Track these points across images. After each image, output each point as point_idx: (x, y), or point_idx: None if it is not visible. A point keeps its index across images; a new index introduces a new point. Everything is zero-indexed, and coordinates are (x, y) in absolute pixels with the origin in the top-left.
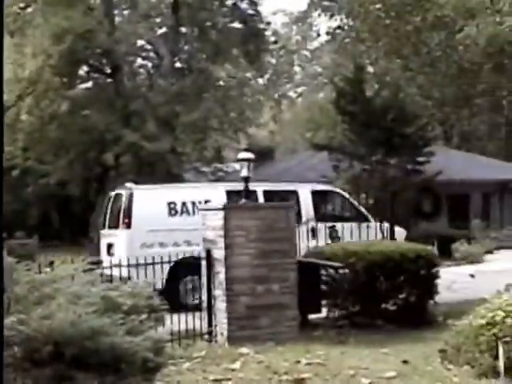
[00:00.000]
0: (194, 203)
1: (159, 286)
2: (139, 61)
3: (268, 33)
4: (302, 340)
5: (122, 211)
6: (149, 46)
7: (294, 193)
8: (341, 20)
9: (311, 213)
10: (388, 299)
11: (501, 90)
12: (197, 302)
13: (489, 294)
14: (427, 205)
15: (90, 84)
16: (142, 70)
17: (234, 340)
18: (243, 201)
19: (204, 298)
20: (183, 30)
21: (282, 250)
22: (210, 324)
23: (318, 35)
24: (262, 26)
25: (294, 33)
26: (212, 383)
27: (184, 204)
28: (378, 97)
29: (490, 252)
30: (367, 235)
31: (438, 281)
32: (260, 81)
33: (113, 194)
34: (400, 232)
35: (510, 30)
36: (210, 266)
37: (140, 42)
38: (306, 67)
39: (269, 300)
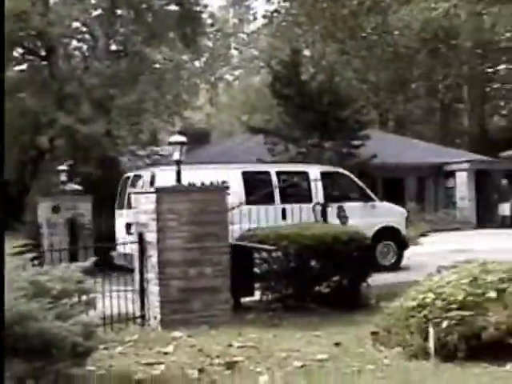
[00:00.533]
0: (213, 184)
1: None
2: (74, 43)
3: (205, 15)
4: (235, 323)
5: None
6: (84, 28)
7: (305, 173)
8: (278, 3)
9: (320, 193)
10: (321, 282)
11: (436, 75)
12: None
13: (421, 276)
14: None
15: (24, 66)
16: (76, 53)
17: (167, 324)
18: (175, 184)
19: (136, 281)
20: (119, 12)
21: (215, 233)
22: (142, 308)
23: (255, 18)
24: (198, 8)
25: (230, 16)
26: (144, 367)
27: (203, 185)
28: (313, 80)
29: (424, 235)
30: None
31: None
32: (196, 64)
33: (131, 175)
34: (399, 211)
35: (443, 16)
36: (142, 250)
37: (75, 24)
38: (243, 50)
39: (201, 283)
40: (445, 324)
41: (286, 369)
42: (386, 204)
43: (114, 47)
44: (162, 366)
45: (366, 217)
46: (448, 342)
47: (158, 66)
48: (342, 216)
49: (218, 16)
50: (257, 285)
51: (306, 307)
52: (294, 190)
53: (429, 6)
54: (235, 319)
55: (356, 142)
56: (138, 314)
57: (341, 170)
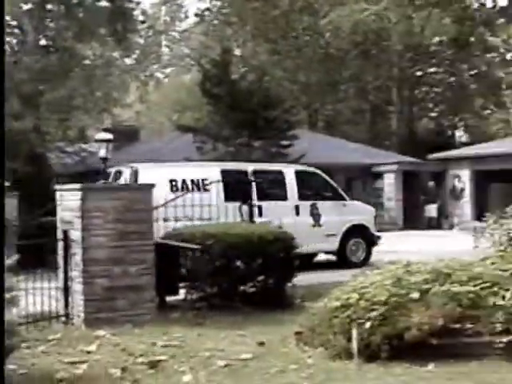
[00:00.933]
0: (192, 181)
1: None
2: None
3: (136, 12)
4: (160, 322)
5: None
6: (13, 22)
7: (280, 172)
8: (210, 2)
9: (295, 192)
10: (246, 281)
11: (366, 77)
12: None
13: (346, 276)
14: None
15: None
16: (6, 47)
17: (91, 322)
18: (101, 181)
19: (60, 279)
20: (49, 6)
21: (140, 231)
22: (66, 306)
23: (187, 16)
24: (130, 5)
25: (162, 13)
26: (67, 366)
27: (184, 181)
28: (243, 80)
29: None
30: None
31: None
32: (127, 61)
33: (112, 170)
34: (368, 210)
35: (373, 19)
36: (66, 248)
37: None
38: (174, 48)
39: (126, 282)
40: (368, 324)
41: (209, 368)
42: (356, 203)
43: (43, 42)
44: (85, 365)
45: (338, 215)
46: (371, 343)
47: (88, 62)
48: (315, 214)
49: (150, 13)
50: (182, 284)
51: (231, 306)
52: (271, 188)
53: (359, 8)
54: (160, 318)
55: (285, 142)
56: (62, 312)
57: (314, 170)
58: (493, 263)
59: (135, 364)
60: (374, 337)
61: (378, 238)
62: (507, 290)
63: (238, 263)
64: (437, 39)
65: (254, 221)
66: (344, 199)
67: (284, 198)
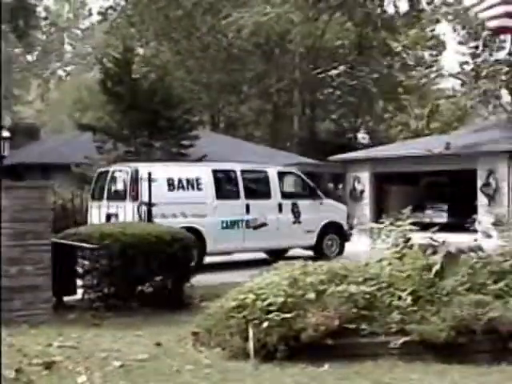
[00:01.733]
0: (187, 180)
1: None
2: None
3: (39, 8)
4: (56, 322)
5: (128, 185)
6: None
7: (265, 172)
8: (113, 0)
9: (278, 191)
10: (144, 281)
11: (269, 78)
12: None
13: (244, 276)
14: None
15: None
16: None
17: None
18: None
19: None
20: None
21: (37, 231)
22: None
23: (91, 14)
24: (32, 0)
25: (66, 10)
26: None
27: (180, 180)
28: (145, 79)
29: None
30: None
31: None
32: (28, 57)
33: (110, 169)
34: (341, 208)
35: (276, 22)
36: None
37: None
38: (77, 46)
39: (22, 282)
40: (264, 325)
41: (105, 369)
42: (330, 201)
43: None
44: None
45: (315, 213)
46: (267, 343)
47: None
48: (296, 211)
49: (53, 9)
50: (80, 283)
51: (129, 307)
52: (256, 188)
53: (262, 10)
54: (57, 318)
55: (186, 142)
56: None
57: (294, 171)
58: (389, 264)
59: (30, 365)
60: (270, 337)
61: (350, 234)
62: (403, 290)
63: (136, 263)
64: (339, 42)
65: (152, 220)
66: (321, 198)
67: (268, 196)
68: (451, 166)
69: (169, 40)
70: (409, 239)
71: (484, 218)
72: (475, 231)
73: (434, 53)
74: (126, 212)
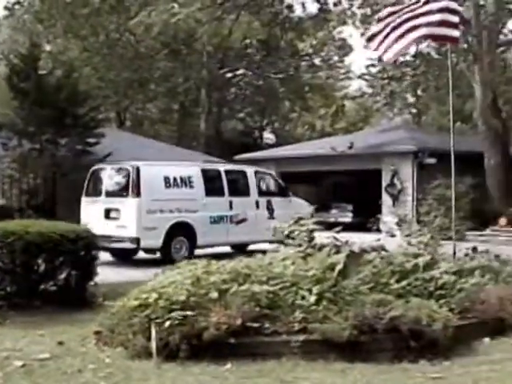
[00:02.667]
0: (181, 178)
1: (158, 244)
2: None
3: None
4: None
5: (130, 182)
6: None
7: (244, 172)
8: None
9: (255, 189)
10: (48, 280)
11: (176, 77)
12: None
13: (148, 275)
14: None
15: None
16: None
17: None
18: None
19: None
20: None
21: None
22: None
23: None
24: None
25: None
26: None
27: (175, 178)
28: (51, 75)
29: None
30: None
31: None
32: None
33: (108, 166)
34: (307, 205)
35: (183, 21)
36: None
37: None
38: None
39: None
40: (167, 324)
41: (5, 369)
42: (297, 199)
43: None
44: None
45: (286, 209)
46: (170, 342)
47: None
48: (270, 208)
49: None
50: None
51: (32, 306)
52: (237, 186)
53: (169, 9)
54: None
55: (91, 140)
56: None
57: (268, 171)
58: (293, 263)
59: None
60: (172, 336)
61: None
62: (307, 289)
63: (40, 261)
64: (247, 42)
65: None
66: (289, 196)
67: (247, 194)
68: (357, 166)
69: (76, 37)
70: (312, 238)
71: (388, 217)
72: (379, 231)
73: (341, 53)
74: (128, 207)
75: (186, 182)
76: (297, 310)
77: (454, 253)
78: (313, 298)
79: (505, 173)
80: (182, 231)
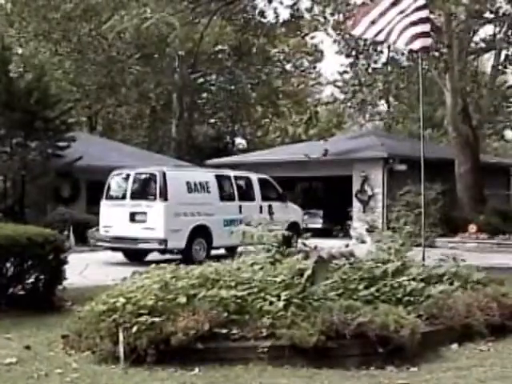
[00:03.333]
0: (200, 183)
1: (182, 245)
2: None
3: None
4: None
5: (158, 186)
6: None
7: (250, 178)
8: None
9: (259, 194)
10: (16, 284)
11: (148, 82)
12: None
13: (116, 280)
14: (66, 190)
15: None
16: None
17: None
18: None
19: None
20: None
21: None
22: None
23: None
24: None
25: None
26: None
27: (195, 184)
28: (22, 78)
29: None
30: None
31: (72, 266)
32: None
33: (131, 172)
34: (299, 210)
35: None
36: None
37: None
38: None
39: None
40: (134, 329)
41: None
42: (292, 205)
43: None
44: None
45: (283, 213)
46: (137, 347)
47: None
48: (271, 212)
49: None
50: None
51: None
52: (244, 191)
53: (141, 13)
54: None
55: (62, 143)
56: None
57: (268, 178)
58: (261, 268)
59: None
60: (140, 341)
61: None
62: (275, 295)
63: (7, 265)
64: (219, 47)
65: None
66: (286, 201)
67: (253, 199)
68: (328, 172)
69: (47, 40)
70: (288, 244)
71: (358, 223)
72: (349, 237)
73: (311, 59)
74: (156, 210)
75: (204, 186)
76: (265, 316)
77: (423, 259)
78: (281, 304)
79: (474, 180)
80: (201, 233)
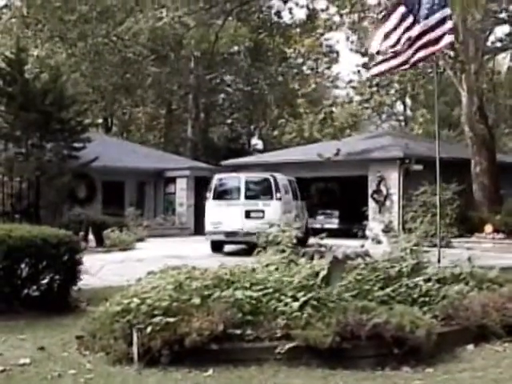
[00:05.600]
0: (284, 186)
1: None
2: None
3: None
4: None
5: (273, 189)
6: None
7: (268, 180)
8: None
9: (291, 193)
10: (30, 285)
11: (164, 83)
12: None
13: (131, 280)
14: (82, 191)
15: None
16: None
17: None
18: None
19: None
20: None
21: None
22: None
23: None
24: None
25: None
26: None
27: (285, 186)
28: (38, 79)
29: (141, 240)
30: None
31: (87, 267)
32: None
33: (241, 175)
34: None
35: (170, 26)
36: None
37: None
38: None
39: None
40: (149, 329)
41: None
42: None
43: None
44: None
45: (302, 212)
46: (152, 348)
47: None
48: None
49: None
50: None
51: (14, 310)
52: (290, 192)
53: (156, 15)
54: None
55: (77, 144)
56: None
57: (292, 178)
58: (276, 269)
59: None
60: (154, 342)
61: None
62: (290, 296)
63: (22, 266)
64: (234, 48)
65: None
66: (304, 200)
67: (297, 198)
68: (343, 172)
69: (64, 42)
70: (296, 244)
71: (374, 224)
72: (365, 237)
73: (327, 59)
74: (273, 209)
75: (288, 189)
76: (279, 317)
77: (439, 260)
78: (296, 305)
79: (491, 179)
80: None
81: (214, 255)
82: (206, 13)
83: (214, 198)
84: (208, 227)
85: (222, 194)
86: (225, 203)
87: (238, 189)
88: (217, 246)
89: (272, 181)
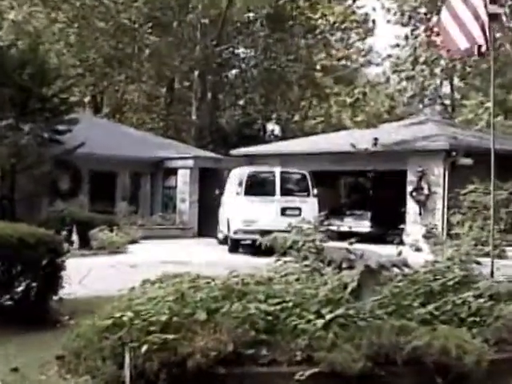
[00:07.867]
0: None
1: None
2: None
3: None
4: None
5: (310, 186)
6: None
7: (304, 175)
8: None
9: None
10: (2, 293)
11: (164, 56)
12: None
13: (123, 289)
14: (65, 182)
15: None
16: None
17: None
18: None
19: None
20: None
21: None
22: None
23: None
24: None
25: None
26: None
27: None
28: (14, 48)
29: (135, 242)
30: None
31: (70, 273)
32: None
33: (276, 171)
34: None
35: None
36: None
37: None
38: None
39: None
40: (144, 349)
41: None
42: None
43: None
44: None
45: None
46: (147, 370)
47: None
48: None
49: None
50: None
51: None
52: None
53: None
54: None
55: (61, 127)
56: None
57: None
58: (297, 280)
59: None
60: (150, 363)
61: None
62: (315, 312)
63: None
64: (250, 15)
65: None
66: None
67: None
68: (377, 166)
69: (45, 4)
70: (321, 250)
71: (413, 228)
72: (403, 244)
73: (361, 30)
74: (310, 205)
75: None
76: (300, 336)
77: (492, 272)
78: (320, 323)
79: None
80: None
81: (220, 262)
82: None
83: (246, 194)
84: (238, 225)
85: (254, 190)
86: (258, 199)
87: (273, 184)
88: (236, 246)
89: (308, 177)
